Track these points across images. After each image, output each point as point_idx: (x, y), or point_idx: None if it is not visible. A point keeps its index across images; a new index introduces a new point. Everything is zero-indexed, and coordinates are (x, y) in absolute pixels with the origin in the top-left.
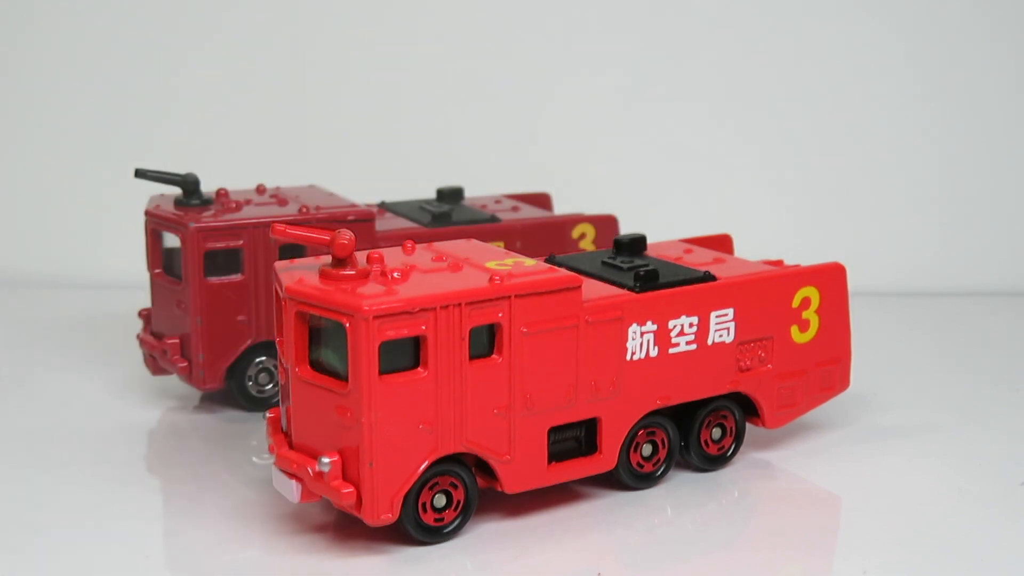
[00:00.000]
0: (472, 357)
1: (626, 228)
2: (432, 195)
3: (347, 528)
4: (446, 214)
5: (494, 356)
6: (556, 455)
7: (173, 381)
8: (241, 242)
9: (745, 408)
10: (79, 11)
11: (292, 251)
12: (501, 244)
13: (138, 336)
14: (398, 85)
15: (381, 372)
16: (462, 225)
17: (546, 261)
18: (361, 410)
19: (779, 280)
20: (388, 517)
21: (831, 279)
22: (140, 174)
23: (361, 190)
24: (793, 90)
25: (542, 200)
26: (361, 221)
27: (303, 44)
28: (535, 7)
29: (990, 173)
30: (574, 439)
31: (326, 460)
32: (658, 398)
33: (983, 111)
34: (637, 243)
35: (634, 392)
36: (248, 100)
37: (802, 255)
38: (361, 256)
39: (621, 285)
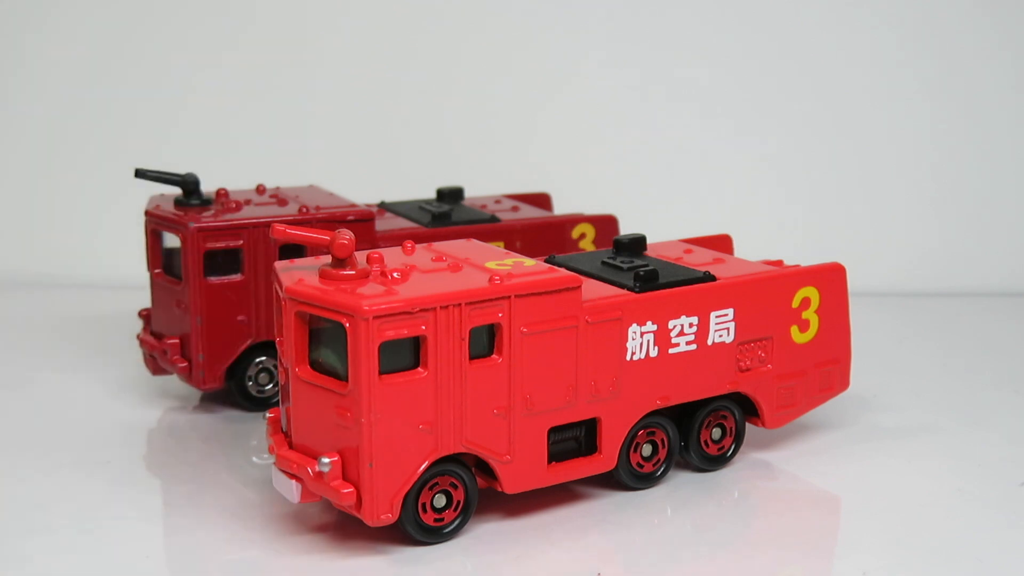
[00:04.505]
0: (472, 357)
1: (626, 228)
2: (432, 195)
3: (347, 528)
4: (446, 214)
5: (494, 356)
6: (556, 455)
7: (173, 381)
8: (241, 242)
9: (745, 408)
10: (80, 13)
11: (292, 251)
12: (501, 244)
13: (138, 336)
14: (398, 85)
15: (381, 372)
16: (462, 225)
17: (546, 261)
18: (361, 410)
19: (779, 280)
20: (388, 517)
21: (831, 279)
22: (140, 174)
23: (361, 190)
24: (793, 90)
25: (542, 200)
26: (361, 221)
27: (303, 44)
28: (535, 7)
29: (990, 173)
30: (574, 439)
31: (326, 460)
32: (658, 398)
33: (983, 111)
34: (637, 243)
35: (634, 392)
36: (248, 100)
37: (802, 255)
38: (361, 256)
39: (621, 285)
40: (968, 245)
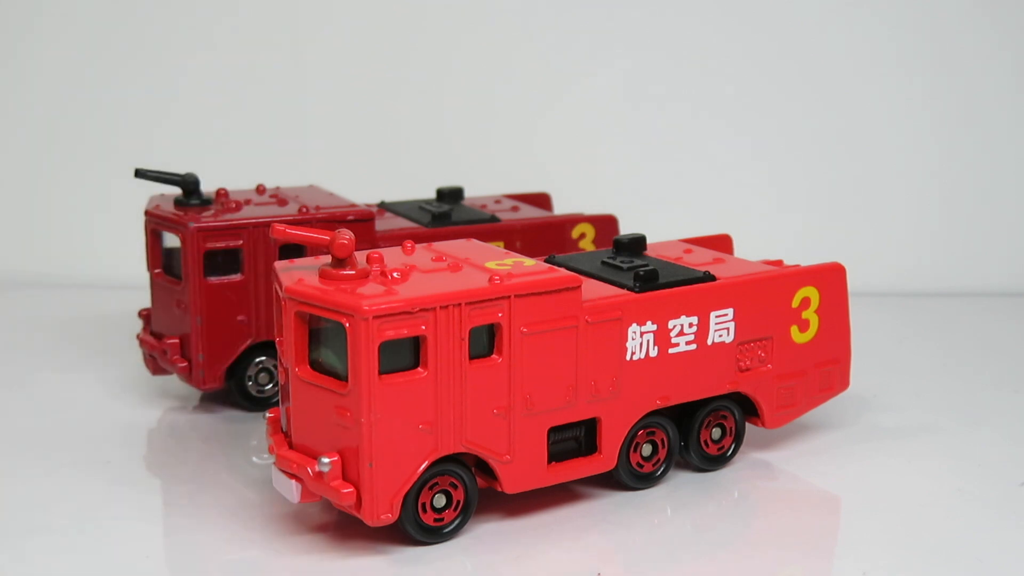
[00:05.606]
0: (472, 357)
1: (626, 228)
2: (432, 195)
3: (347, 528)
4: (446, 214)
5: (494, 356)
6: (556, 455)
7: (173, 381)
8: (241, 242)
9: (745, 408)
10: (79, 11)
11: (292, 251)
12: (501, 244)
13: (138, 336)
14: (398, 85)
15: (381, 372)
16: (462, 225)
17: (546, 261)
18: (361, 410)
19: (779, 280)
20: (388, 517)
21: (831, 279)
22: (140, 174)
23: (361, 190)
24: (792, 91)
25: (542, 200)
26: (361, 221)
27: (303, 44)
28: (535, 7)
29: (989, 174)
30: (574, 439)
31: (326, 460)
32: (658, 398)
33: (983, 111)
34: (637, 243)
35: (634, 392)
36: (248, 100)
37: (802, 255)
38: (361, 256)
39: (621, 285)
40: (968, 245)
